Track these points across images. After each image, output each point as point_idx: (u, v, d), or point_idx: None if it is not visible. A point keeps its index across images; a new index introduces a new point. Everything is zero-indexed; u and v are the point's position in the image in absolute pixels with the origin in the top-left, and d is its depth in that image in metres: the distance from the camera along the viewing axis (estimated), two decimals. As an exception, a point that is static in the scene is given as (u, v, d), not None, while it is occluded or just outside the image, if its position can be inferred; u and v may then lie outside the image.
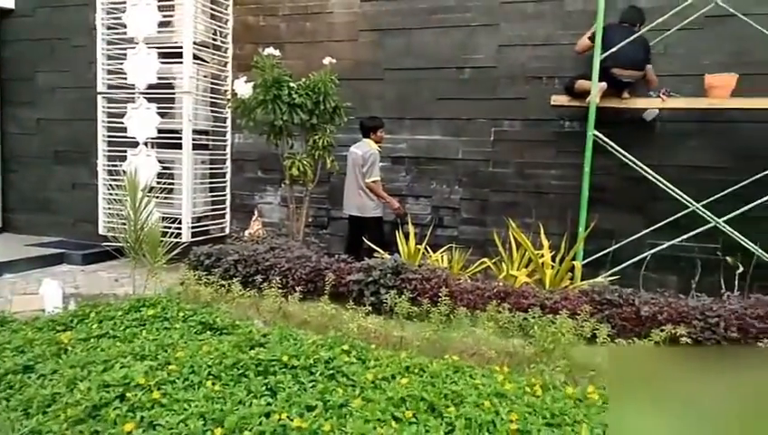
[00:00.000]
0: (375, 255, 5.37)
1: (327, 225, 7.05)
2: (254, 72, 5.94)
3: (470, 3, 6.24)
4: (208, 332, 3.89)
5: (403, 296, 4.48)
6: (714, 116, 5.36)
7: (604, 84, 5.13)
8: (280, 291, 4.64)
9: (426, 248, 5.82)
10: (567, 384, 3.31)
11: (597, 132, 5.18)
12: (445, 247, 6.11)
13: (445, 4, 6.31)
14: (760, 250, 4.93)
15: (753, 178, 5.19)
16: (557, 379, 3.36)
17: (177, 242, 6.00)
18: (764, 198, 4.88)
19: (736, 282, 5.02)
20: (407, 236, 5.89)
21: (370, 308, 4.72)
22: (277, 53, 5.88)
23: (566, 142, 5.96)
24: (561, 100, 5.57)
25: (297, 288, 4.90)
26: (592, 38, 5.21)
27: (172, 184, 6.75)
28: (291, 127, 6.07)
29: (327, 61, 5.88)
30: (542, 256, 5.36)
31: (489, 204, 6.36)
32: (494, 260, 5.60)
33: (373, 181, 5.97)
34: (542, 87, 5.97)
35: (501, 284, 4.92)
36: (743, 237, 4.93)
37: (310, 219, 6.87)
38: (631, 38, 5.03)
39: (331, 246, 6.90)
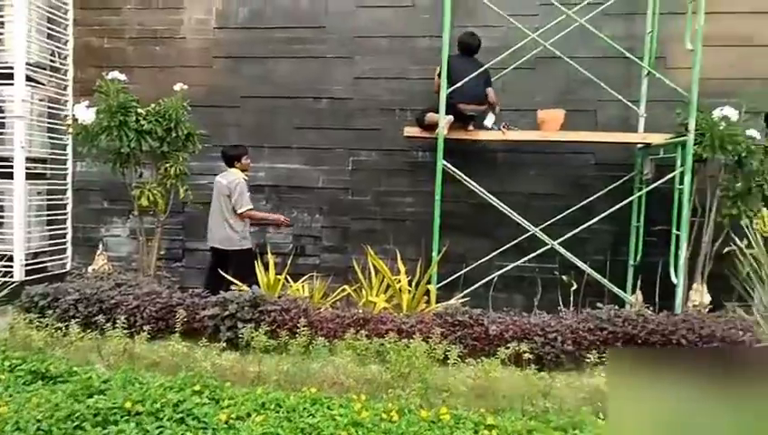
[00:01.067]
0: (232, 287, 5.21)
1: (182, 257, 6.72)
2: (98, 97, 5.57)
3: (325, 35, 6.37)
4: (40, 381, 3.52)
5: (261, 329, 4.37)
6: (547, 148, 5.90)
7: (451, 117, 5.45)
8: (126, 331, 4.32)
9: (286, 278, 5.75)
10: (422, 407, 3.41)
11: (446, 162, 5.47)
12: (306, 276, 6.08)
13: (301, 36, 6.39)
14: (589, 269, 5.47)
15: (581, 203, 5.77)
16: (413, 402, 3.45)
17: (7, 282, 5.38)
18: (590, 222, 5.43)
19: (572, 298, 5.51)
20: (266, 266, 5.78)
21: (226, 344, 4.57)
22: (123, 77, 5.58)
23: (420, 171, 6.24)
24: (412, 131, 5.82)
25: (146, 327, 4.60)
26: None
27: (2, 217, 6.08)
28: (139, 155, 5.74)
29: (178, 87, 5.68)
30: (400, 281, 5.51)
31: (350, 232, 6.44)
32: (354, 287, 5.66)
33: (248, 210, 5.78)
34: (395, 119, 6.21)
35: (360, 311, 4.98)
36: (575, 257, 5.43)
37: (162, 252, 6.51)
38: (474, 74, 5.40)
39: (186, 279, 6.57)
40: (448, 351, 3.99)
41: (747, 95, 5.18)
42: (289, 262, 6.09)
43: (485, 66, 5.52)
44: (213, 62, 6.55)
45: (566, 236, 5.45)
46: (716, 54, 5.51)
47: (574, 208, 5.82)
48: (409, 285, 5.51)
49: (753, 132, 4.96)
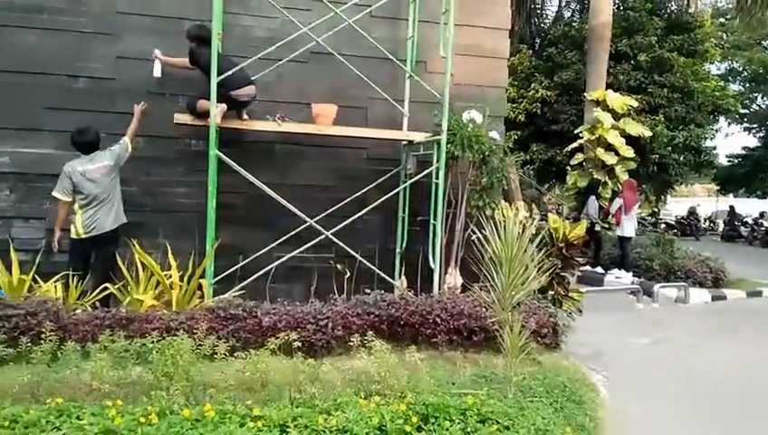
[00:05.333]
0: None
1: None
2: None
3: (83, 7, 5.74)
4: None
5: (-3, 338, 3.82)
6: (322, 141, 6.08)
7: (224, 106, 5.31)
8: None
9: (35, 278, 5.08)
10: (188, 406, 3.28)
11: (220, 152, 5.31)
12: (61, 275, 5.43)
13: (51, 5, 5.67)
14: (360, 257, 5.78)
15: (354, 195, 6.06)
16: (177, 402, 3.30)
17: None
18: (361, 212, 5.73)
19: (345, 286, 5.78)
20: (9, 267, 5.04)
21: (-48, 358, 3.90)
22: None
23: (194, 161, 5.96)
24: (184, 118, 5.54)
25: None
26: (192, 60, 5.43)
27: None
28: None
29: None
30: (171, 276, 5.24)
31: (114, 224, 5.92)
32: (118, 285, 5.22)
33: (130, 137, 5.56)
34: (166, 104, 5.84)
35: (124, 310, 4.63)
36: (348, 247, 5.69)
37: None
38: (244, 64, 5.32)
39: None
40: (216, 346, 3.89)
41: (489, 101, 5.94)
42: (38, 259, 5.39)
43: (260, 55, 5.47)
44: (-69, 24, 5.50)
45: (340, 227, 5.67)
46: (467, 63, 6.20)
47: (348, 200, 6.10)
48: (182, 280, 5.26)
49: (494, 134, 5.69)
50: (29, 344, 3.79)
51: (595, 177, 11.61)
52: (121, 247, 5.64)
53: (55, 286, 5.09)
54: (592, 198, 10.46)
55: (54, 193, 5.28)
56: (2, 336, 3.88)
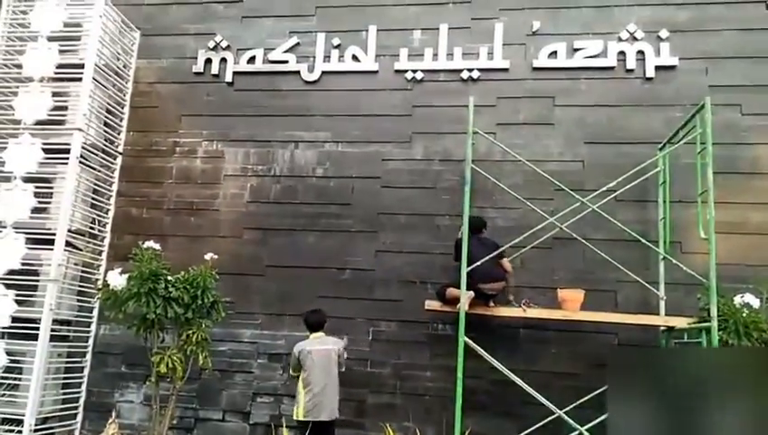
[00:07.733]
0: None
1: (193, 427, 6.50)
2: (132, 265, 5.78)
3: (351, 211, 6.73)
4: None
5: None
6: (568, 326, 5.87)
7: (472, 293, 5.53)
8: None
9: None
10: None
11: (467, 338, 5.43)
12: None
13: (328, 211, 6.76)
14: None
15: (607, 386, 5.57)
16: None
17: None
18: (619, 407, 5.20)
19: (604, 494, 5.11)
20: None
21: None
22: (157, 246, 5.83)
23: (440, 345, 6.18)
24: (433, 305, 5.89)
25: (150, 510, 4.34)
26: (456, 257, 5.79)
27: (19, 380, 6.04)
28: (164, 321, 5.81)
29: (208, 256, 5.89)
30: (420, 465, 5.22)
31: (366, 406, 6.24)
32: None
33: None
34: (416, 291, 6.30)
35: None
36: (604, 445, 5.14)
37: (174, 421, 6.31)
38: (491, 255, 5.57)
39: (196, 452, 6.32)
40: None
41: (764, 281, 5.24)
42: (302, 436, 5.84)
43: (507, 245, 5.70)
44: (243, 232, 6.88)
45: (594, 422, 5.19)
46: (730, 241, 5.66)
47: (601, 390, 5.62)
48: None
49: (777, 319, 4.93)
50: None
51: None
52: (374, 431, 5.88)
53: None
54: None
55: (290, 370, 5.91)
56: None
